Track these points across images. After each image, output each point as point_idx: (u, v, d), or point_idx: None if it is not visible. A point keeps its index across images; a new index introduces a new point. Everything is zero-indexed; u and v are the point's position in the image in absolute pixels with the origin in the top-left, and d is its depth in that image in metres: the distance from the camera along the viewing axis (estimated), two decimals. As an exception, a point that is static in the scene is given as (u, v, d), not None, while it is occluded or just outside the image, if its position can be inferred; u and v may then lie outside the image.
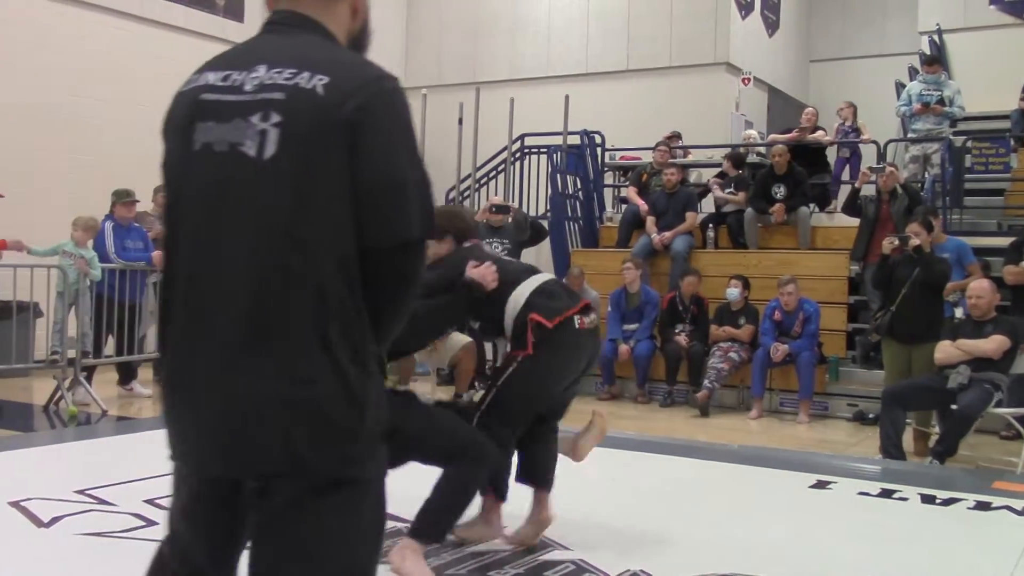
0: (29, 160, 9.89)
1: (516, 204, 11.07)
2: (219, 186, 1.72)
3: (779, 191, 9.62)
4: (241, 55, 1.82)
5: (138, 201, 8.58)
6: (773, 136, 11.21)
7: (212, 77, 1.79)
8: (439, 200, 12.49)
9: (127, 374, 8.59)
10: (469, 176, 11.58)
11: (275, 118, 1.68)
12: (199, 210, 1.75)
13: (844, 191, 9.96)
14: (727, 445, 6.73)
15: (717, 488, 5.44)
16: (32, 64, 10.09)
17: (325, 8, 1.87)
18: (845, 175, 10.69)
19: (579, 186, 11.14)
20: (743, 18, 13.28)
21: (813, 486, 5.41)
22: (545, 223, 9.88)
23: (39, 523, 4.17)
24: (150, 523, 4.19)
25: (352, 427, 1.69)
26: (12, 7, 9.94)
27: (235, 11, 12.45)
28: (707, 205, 10.82)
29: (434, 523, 3.51)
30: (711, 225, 10.12)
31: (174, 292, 1.78)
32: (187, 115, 1.78)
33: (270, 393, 1.66)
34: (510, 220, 8.66)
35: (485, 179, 12.09)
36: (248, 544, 1.78)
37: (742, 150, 10.90)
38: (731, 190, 10.04)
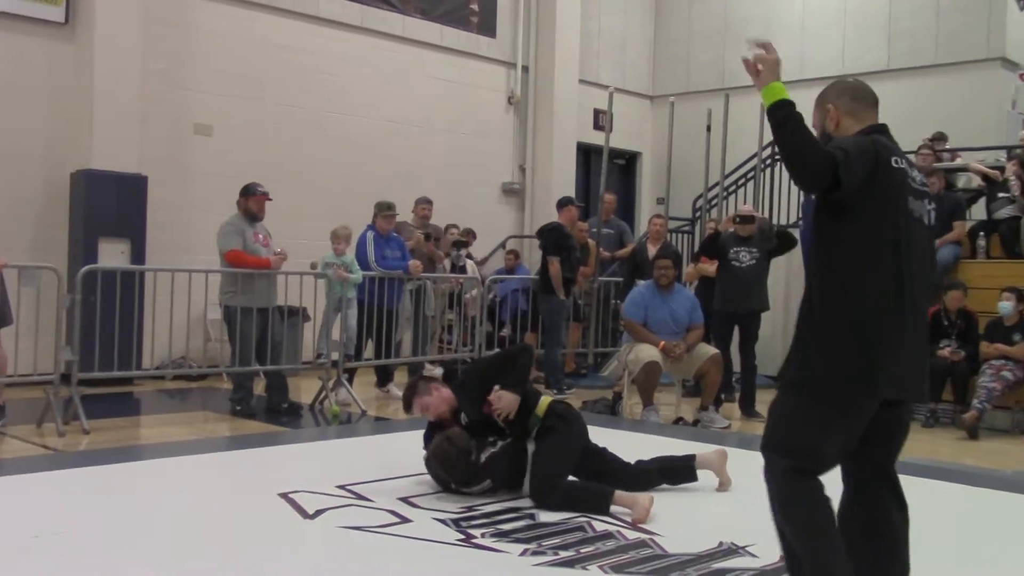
0: (297, 173, 10.65)
1: (765, 212, 10.77)
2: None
3: (1062, 195, 8.80)
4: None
5: (397, 214, 9.05)
6: (1055, 136, 10.27)
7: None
8: (686, 209, 12.36)
9: (384, 376, 9.05)
10: (717, 184, 11.38)
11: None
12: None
13: None
14: (999, 471, 6.21)
15: (987, 517, 5.02)
16: (298, 84, 10.88)
17: None
18: None
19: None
20: (1021, 8, 12.25)
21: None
22: (796, 232, 9.53)
23: (305, 515, 4.45)
24: (404, 520, 4.38)
25: None
26: (279, 32, 10.76)
27: (488, 27, 12.88)
28: (977, 212, 10.07)
29: None
30: (982, 233, 9.40)
31: None
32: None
33: None
34: (755, 227, 8.42)
35: (733, 187, 11.84)
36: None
37: (1018, 151, 10.05)
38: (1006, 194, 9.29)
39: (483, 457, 4.78)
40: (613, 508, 4.56)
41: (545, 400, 4.94)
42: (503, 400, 4.78)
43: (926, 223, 2.90)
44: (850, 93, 3.03)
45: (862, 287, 2.77)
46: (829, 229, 2.83)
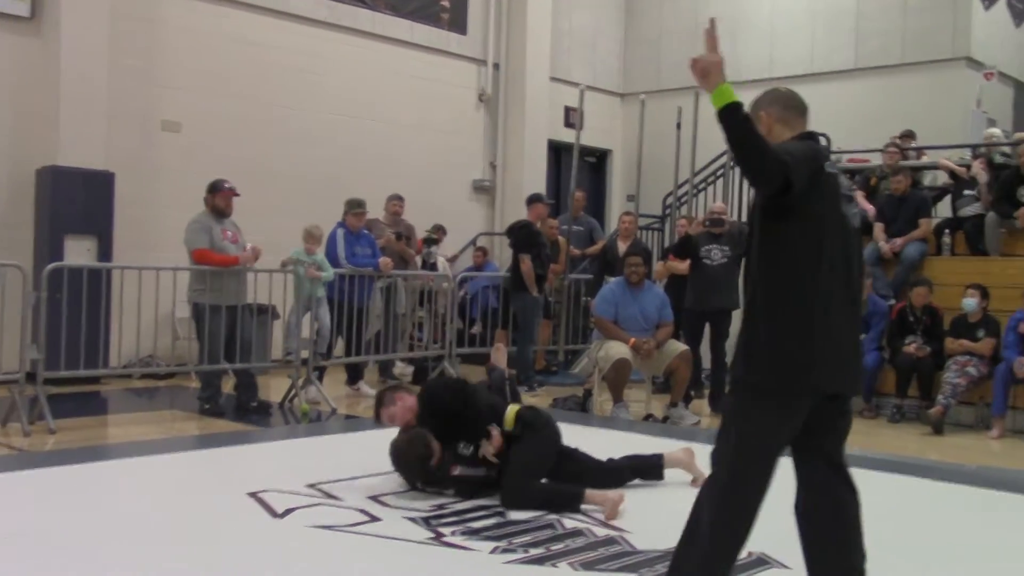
0: (267, 170, 10.59)
1: (734, 210, 10.84)
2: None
3: (1026, 194, 8.91)
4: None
5: (367, 212, 9.02)
6: (1019, 135, 10.38)
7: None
8: (656, 207, 12.41)
9: (355, 374, 9.03)
10: (687, 182, 11.42)
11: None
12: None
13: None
14: (963, 466, 6.29)
15: (950, 512, 5.08)
16: (267, 80, 10.82)
17: None
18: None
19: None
20: (986, 8, 12.40)
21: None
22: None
23: (274, 514, 4.44)
24: (374, 519, 4.38)
25: None
26: (248, 28, 10.69)
27: (459, 24, 12.86)
28: (943, 209, 10.18)
29: None
30: (947, 231, 9.51)
31: None
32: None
33: None
34: (726, 228, 8.49)
35: (703, 184, 11.89)
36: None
37: (983, 150, 10.17)
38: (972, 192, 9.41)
39: (457, 469, 4.77)
40: (584, 506, 4.59)
41: (512, 411, 4.91)
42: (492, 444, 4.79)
43: (855, 226, 3.05)
44: (782, 102, 3.13)
45: (804, 287, 2.88)
46: (772, 230, 2.91)
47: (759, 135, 2.76)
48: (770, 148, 2.76)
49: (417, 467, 4.79)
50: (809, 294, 2.86)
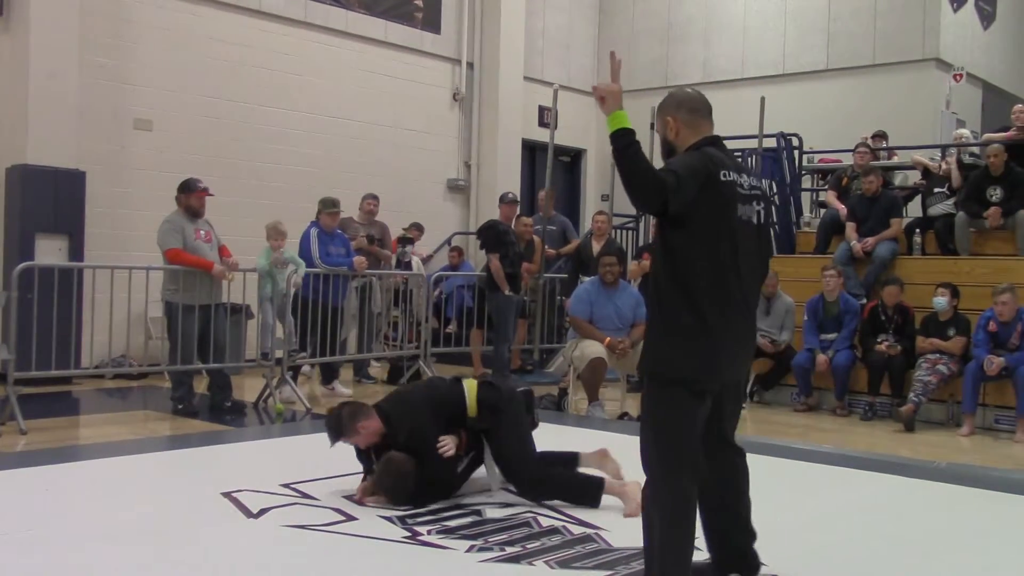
0: (236, 169, 10.53)
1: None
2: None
3: (995, 193, 9.02)
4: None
5: (342, 211, 8.99)
6: (988, 135, 10.52)
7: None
8: (630, 206, 12.44)
9: (329, 374, 9.00)
10: (661, 181, 11.46)
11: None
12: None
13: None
14: (934, 463, 6.36)
15: (922, 508, 5.14)
16: (240, 79, 10.76)
17: None
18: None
19: (775, 190, 10.83)
20: (955, 10, 12.56)
21: (1032, 511, 5.04)
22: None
23: (249, 514, 4.42)
24: (349, 518, 4.37)
25: None
26: (220, 26, 10.63)
27: (433, 23, 12.85)
28: (913, 209, 10.29)
29: None
30: (917, 230, 9.61)
31: None
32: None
33: None
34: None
35: (677, 184, 11.94)
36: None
37: (952, 150, 10.29)
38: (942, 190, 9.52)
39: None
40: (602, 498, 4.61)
41: (472, 399, 4.77)
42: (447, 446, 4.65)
43: (755, 223, 3.27)
44: (688, 105, 3.31)
45: (697, 288, 3.11)
46: (668, 238, 3.15)
47: (644, 160, 2.99)
48: (652, 172, 2.99)
49: (400, 487, 4.61)
50: (704, 294, 3.11)
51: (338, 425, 4.74)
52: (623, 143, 2.99)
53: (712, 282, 3.12)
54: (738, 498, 3.48)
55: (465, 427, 4.75)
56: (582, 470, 4.98)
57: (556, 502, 4.65)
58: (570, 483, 4.73)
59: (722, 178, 3.13)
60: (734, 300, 3.19)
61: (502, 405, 4.80)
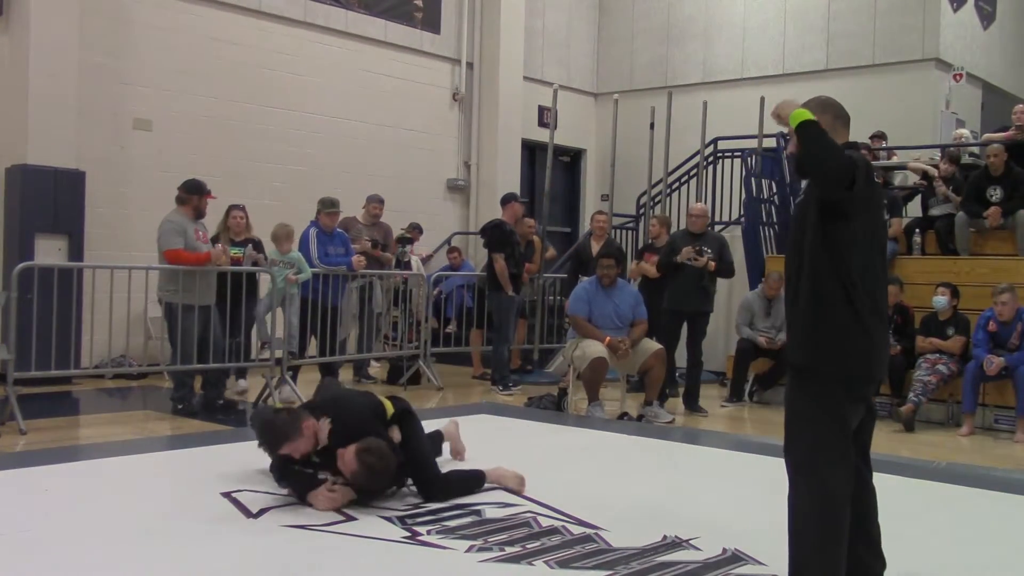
0: (236, 169, 10.52)
1: (707, 208, 10.88)
2: None
3: (995, 193, 9.03)
4: None
5: (340, 211, 8.99)
6: (988, 135, 10.53)
7: None
8: (630, 206, 12.45)
9: (328, 374, 8.98)
10: (661, 181, 11.48)
11: None
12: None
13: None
14: (933, 462, 6.36)
15: (922, 508, 5.14)
16: (240, 79, 10.75)
17: None
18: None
19: (774, 190, 10.84)
20: (955, 10, 12.55)
21: (1032, 510, 5.04)
22: (739, 228, 9.66)
23: (248, 514, 4.41)
24: (349, 518, 4.37)
25: None
26: (220, 26, 10.62)
27: (432, 23, 12.84)
28: (913, 209, 10.29)
29: None
30: (917, 230, 9.61)
31: None
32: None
33: None
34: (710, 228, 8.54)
35: (677, 184, 11.96)
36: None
37: (953, 150, 10.29)
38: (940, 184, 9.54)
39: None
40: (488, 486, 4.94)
41: (384, 399, 4.96)
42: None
43: (884, 232, 3.40)
44: (833, 111, 3.31)
45: (856, 285, 3.13)
46: (829, 231, 3.13)
47: (833, 141, 3.05)
48: (842, 151, 3.03)
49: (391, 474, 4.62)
50: (865, 291, 3.14)
51: (281, 431, 4.54)
52: (814, 127, 3.02)
53: (867, 282, 3.15)
54: (872, 519, 3.40)
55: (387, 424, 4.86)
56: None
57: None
58: (466, 480, 4.95)
59: (876, 179, 3.23)
60: (880, 305, 3.21)
61: (411, 408, 5.03)
